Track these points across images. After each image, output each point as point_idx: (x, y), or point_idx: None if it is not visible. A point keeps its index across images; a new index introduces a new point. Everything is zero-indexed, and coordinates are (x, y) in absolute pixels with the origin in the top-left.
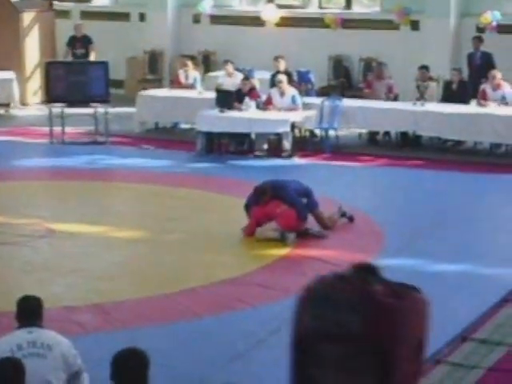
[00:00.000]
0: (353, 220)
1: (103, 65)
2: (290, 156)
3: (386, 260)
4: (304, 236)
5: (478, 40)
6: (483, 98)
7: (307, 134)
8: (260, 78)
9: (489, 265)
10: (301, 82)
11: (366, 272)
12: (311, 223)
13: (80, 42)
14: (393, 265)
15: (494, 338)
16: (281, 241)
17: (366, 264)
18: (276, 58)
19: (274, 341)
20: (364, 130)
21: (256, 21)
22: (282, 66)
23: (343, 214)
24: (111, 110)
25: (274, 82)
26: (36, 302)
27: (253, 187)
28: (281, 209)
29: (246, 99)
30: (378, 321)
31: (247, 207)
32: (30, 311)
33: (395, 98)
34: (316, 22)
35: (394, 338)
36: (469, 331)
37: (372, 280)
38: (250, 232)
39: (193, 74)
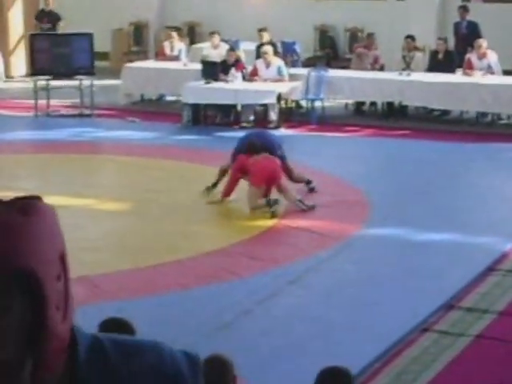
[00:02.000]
0: (313, 191)
1: (88, 37)
2: (276, 127)
3: (372, 229)
4: (292, 207)
5: (464, 9)
6: (469, 67)
7: (293, 104)
8: (245, 49)
9: (475, 233)
10: (286, 52)
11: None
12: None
13: (47, 17)
14: (379, 234)
15: (480, 306)
16: (267, 207)
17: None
18: (260, 31)
19: (261, 311)
20: (350, 101)
21: None
22: (266, 37)
23: (308, 182)
24: (96, 82)
25: (259, 54)
26: None
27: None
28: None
29: (232, 70)
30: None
31: (234, 156)
32: None
33: (381, 69)
34: None
35: (27, 256)
36: (455, 299)
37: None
38: (228, 192)
39: (178, 45)
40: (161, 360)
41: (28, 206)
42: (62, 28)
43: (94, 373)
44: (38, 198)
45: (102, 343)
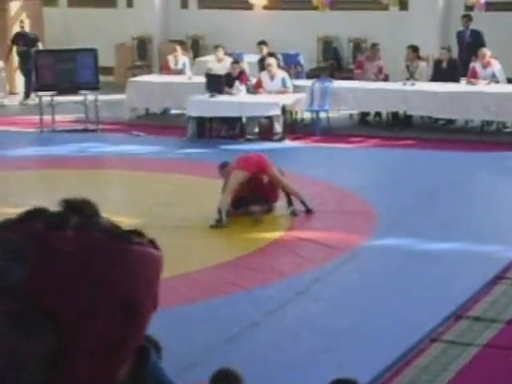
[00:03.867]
0: (296, 215)
1: (92, 52)
2: (281, 139)
3: (378, 240)
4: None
5: (468, 18)
6: (473, 76)
7: (298, 116)
8: (249, 61)
9: (481, 242)
10: (289, 64)
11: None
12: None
13: (23, 39)
14: (386, 244)
15: (488, 316)
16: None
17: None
18: (259, 44)
19: (268, 323)
20: (355, 111)
21: (244, 4)
22: (265, 51)
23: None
24: (101, 97)
25: (261, 67)
26: None
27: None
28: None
29: (236, 83)
30: (43, 270)
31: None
32: None
33: (385, 79)
34: (304, 4)
35: (64, 292)
36: (463, 309)
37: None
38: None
39: (182, 59)
40: None
41: (105, 238)
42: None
43: None
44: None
45: None
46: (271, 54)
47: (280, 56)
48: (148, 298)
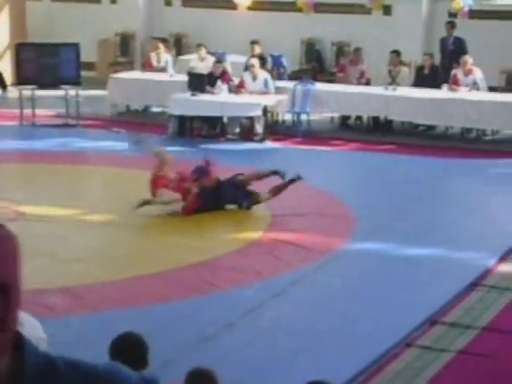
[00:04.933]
0: (300, 178)
1: (74, 47)
2: (262, 140)
3: (357, 244)
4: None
5: (451, 25)
6: (455, 83)
7: (279, 118)
8: (232, 61)
9: (459, 249)
10: (274, 66)
11: None
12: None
13: None
14: (364, 248)
15: (463, 322)
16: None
17: None
18: (252, 43)
19: (244, 324)
20: (336, 115)
21: (228, 4)
22: (257, 50)
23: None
24: (82, 92)
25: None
26: None
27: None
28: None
29: (218, 83)
30: None
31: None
32: None
33: (367, 84)
34: (288, 6)
35: None
36: (439, 315)
37: None
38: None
39: (164, 56)
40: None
41: None
42: None
43: None
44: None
45: (54, 363)
46: (261, 56)
47: (270, 58)
48: (17, 279)
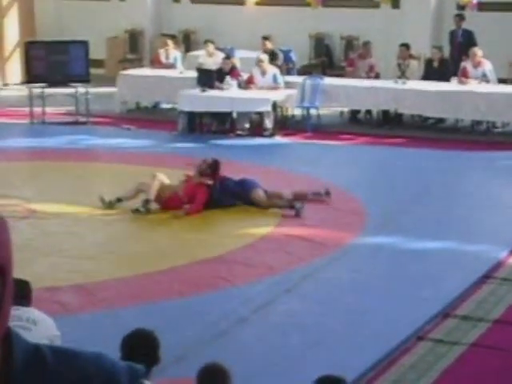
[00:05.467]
0: (329, 194)
1: (83, 44)
2: (271, 135)
3: (368, 238)
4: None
5: (460, 18)
6: (464, 75)
7: (289, 113)
8: (241, 57)
9: (470, 241)
10: (283, 61)
11: None
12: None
13: None
14: (375, 242)
15: (475, 315)
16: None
17: None
18: (264, 38)
19: (256, 319)
20: (345, 109)
21: (236, 0)
22: (268, 46)
23: (317, 194)
24: (92, 89)
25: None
26: (24, 285)
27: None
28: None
29: (228, 78)
30: None
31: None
32: (18, 294)
33: (376, 77)
34: (296, 1)
35: None
36: (451, 308)
37: None
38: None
39: (173, 53)
40: (100, 370)
41: None
42: None
43: (30, 379)
44: None
45: (41, 351)
46: (273, 52)
47: (281, 54)
48: (10, 261)
